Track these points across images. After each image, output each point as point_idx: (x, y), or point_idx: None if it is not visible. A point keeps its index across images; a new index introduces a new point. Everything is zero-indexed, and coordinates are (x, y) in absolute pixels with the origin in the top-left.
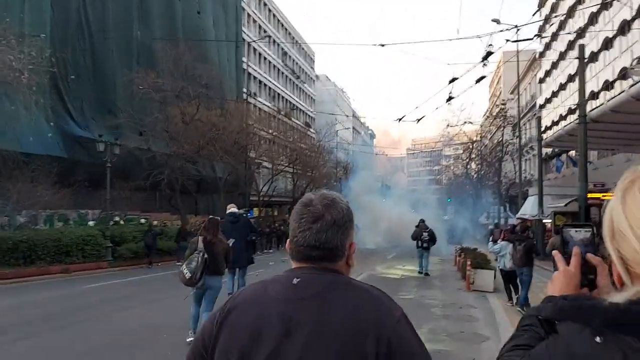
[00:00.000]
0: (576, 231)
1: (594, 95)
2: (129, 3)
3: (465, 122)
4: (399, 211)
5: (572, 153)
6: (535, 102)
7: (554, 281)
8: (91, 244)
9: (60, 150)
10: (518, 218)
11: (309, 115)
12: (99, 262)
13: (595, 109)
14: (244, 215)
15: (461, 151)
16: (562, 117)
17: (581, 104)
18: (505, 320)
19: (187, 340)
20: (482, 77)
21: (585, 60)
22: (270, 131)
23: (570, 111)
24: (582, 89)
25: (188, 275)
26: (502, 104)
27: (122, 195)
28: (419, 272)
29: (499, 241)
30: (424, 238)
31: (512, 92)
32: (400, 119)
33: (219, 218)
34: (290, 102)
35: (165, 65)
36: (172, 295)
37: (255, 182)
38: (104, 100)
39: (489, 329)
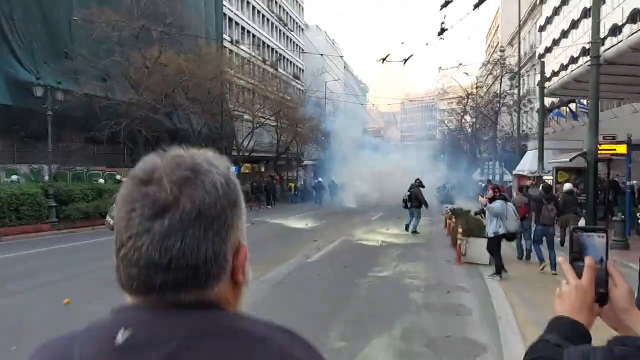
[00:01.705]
0: (588, 236)
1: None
2: None
3: (460, 64)
4: (389, 167)
5: (573, 106)
6: (535, 52)
7: (564, 297)
8: (28, 204)
9: (4, 97)
10: (515, 174)
11: (297, 67)
12: (40, 224)
13: (609, 49)
14: None
15: (455, 104)
16: (564, 67)
17: (594, 43)
18: (508, 313)
19: None
20: (481, 1)
21: None
22: (250, 81)
23: (578, 55)
24: (596, 25)
25: (111, 222)
26: (501, 51)
27: (78, 148)
28: (405, 228)
29: (487, 202)
30: (404, 197)
31: (510, 42)
32: (384, 59)
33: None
34: (276, 52)
35: (125, 2)
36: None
37: (235, 136)
38: (58, 42)
39: (486, 329)
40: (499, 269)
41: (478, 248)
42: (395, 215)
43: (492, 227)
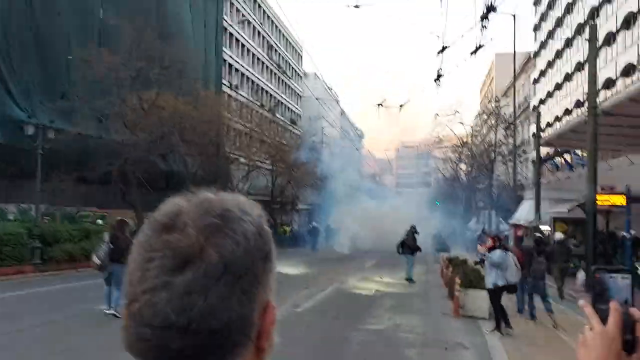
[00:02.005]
0: (611, 277)
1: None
2: None
3: (456, 112)
4: (384, 213)
5: (568, 157)
6: (529, 103)
7: (588, 345)
8: (11, 244)
9: None
10: (512, 224)
11: (294, 112)
12: (22, 265)
13: (605, 100)
14: None
15: (451, 154)
16: (558, 119)
17: (591, 94)
18: None
19: (104, 310)
20: (479, 47)
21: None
22: (248, 125)
23: (573, 107)
24: (593, 77)
25: (98, 262)
26: (496, 101)
27: (69, 188)
28: (407, 279)
29: (486, 251)
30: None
31: (504, 94)
32: (380, 104)
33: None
34: (274, 98)
35: (125, 45)
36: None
37: (230, 178)
38: (55, 82)
39: None
40: (499, 324)
41: (477, 300)
42: (389, 262)
43: (491, 278)
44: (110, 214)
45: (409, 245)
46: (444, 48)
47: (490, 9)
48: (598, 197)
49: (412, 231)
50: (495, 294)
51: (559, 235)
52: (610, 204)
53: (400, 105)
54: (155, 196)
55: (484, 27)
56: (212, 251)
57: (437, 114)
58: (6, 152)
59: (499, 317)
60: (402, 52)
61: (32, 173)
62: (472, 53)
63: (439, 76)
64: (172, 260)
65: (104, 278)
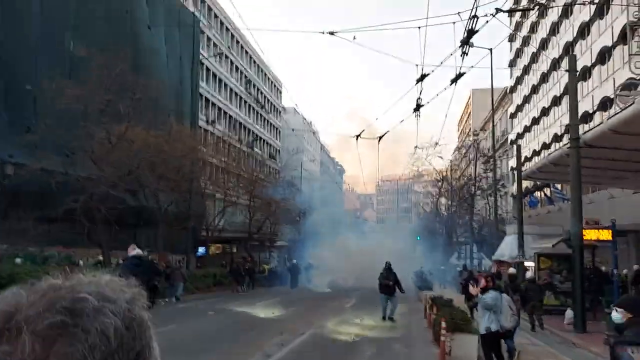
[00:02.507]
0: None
1: (568, 129)
2: (62, 13)
3: (436, 144)
4: (365, 249)
5: (548, 191)
6: (507, 137)
7: None
8: None
9: None
10: (495, 260)
11: (273, 147)
12: None
13: (588, 131)
14: (148, 257)
15: (430, 187)
16: (536, 152)
17: (573, 125)
18: None
19: None
20: (460, 75)
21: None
22: (223, 159)
23: (550, 141)
24: (574, 108)
25: None
26: (475, 135)
27: (31, 227)
28: (383, 319)
29: (476, 293)
30: (388, 282)
31: (482, 128)
32: (358, 136)
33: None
34: (253, 132)
35: (95, 77)
36: None
37: (205, 215)
38: (20, 116)
39: None
40: None
41: (465, 346)
42: (370, 302)
43: (483, 322)
44: (77, 253)
45: (386, 285)
46: (423, 76)
47: (471, 32)
48: (584, 231)
49: (387, 268)
50: (487, 340)
51: (529, 274)
52: (597, 238)
53: (379, 137)
54: (125, 234)
55: (464, 53)
56: None
57: (417, 147)
58: None
59: None
60: (381, 84)
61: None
62: (452, 81)
63: (418, 106)
64: None
65: None
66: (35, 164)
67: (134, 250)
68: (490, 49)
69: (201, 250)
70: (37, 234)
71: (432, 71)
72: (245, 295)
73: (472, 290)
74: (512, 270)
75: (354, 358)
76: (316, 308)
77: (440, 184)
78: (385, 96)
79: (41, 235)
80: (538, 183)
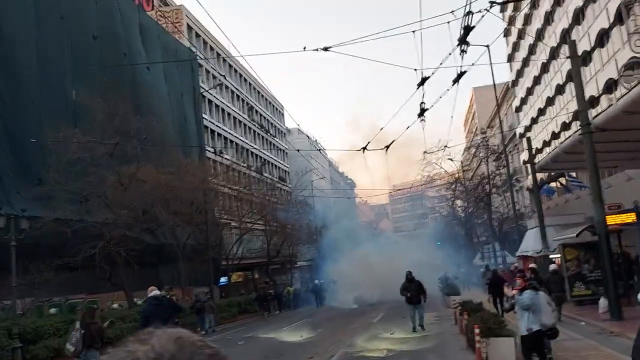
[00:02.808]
0: None
1: (577, 116)
2: (59, 61)
3: (444, 147)
4: (386, 260)
5: (563, 180)
6: (515, 131)
7: None
8: None
9: None
10: (519, 256)
11: (282, 169)
12: None
13: (598, 115)
14: (166, 296)
15: (444, 191)
16: (547, 143)
17: (582, 111)
18: None
19: None
20: (462, 74)
21: (568, 74)
22: (235, 187)
23: (560, 130)
24: (580, 93)
25: (72, 349)
26: (482, 133)
27: (53, 277)
28: (413, 330)
29: (514, 293)
30: (410, 294)
31: (488, 125)
32: (364, 148)
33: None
34: (260, 158)
35: (100, 123)
36: None
37: (223, 245)
38: (30, 169)
39: None
40: None
41: (502, 349)
42: (398, 314)
43: (523, 323)
44: (101, 298)
45: (410, 294)
46: (423, 80)
47: (468, 29)
48: (607, 217)
49: (409, 279)
50: (529, 340)
51: (552, 267)
52: (621, 222)
53: (386, 147)
54: (147, 273)
55: (463, 51)
56: None
57: (426, 152)
58: None
59: None
60: (383, 93)
61: (9, 267)
62: (454, 81)
63: (422, 111)
64: None
65: None
66: (49, 214)
67: (153, 292)
68: (487, 46)
69: (223, 280)
70: (59, 283)
71: (432, 73)
72: (272, 320)
73: (508, 292)
74: (532, 265)
75: None
76: (344, 326)
77: (453, 186)
78: (389, 104)
79: (63, 284)
80: (553, 173)
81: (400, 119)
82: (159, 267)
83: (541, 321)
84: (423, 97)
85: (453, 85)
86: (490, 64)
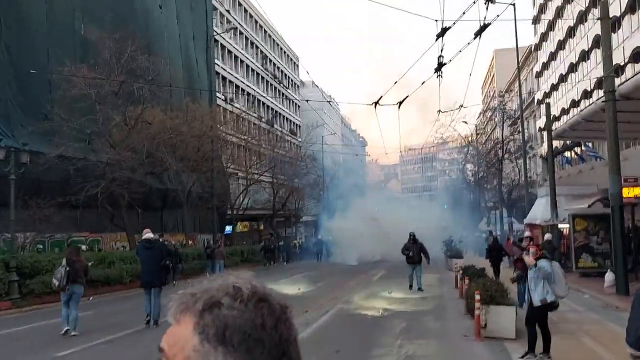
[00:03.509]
0: None
1: (599, 84)
2: None
3: (461, 106)
4: (391, 219)
5: (578, 149)
6: (534, 97)
7: None
8: None
9: None
10: (527, 224)
11: (293, 123)
12: None
13: (623, 83)
14: (159, 240)
15: (456, 154)
16: (565, 111)
17: (608, 77)
18: None
19: (63, 330)
20: (485, 27)
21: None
22: (243, 137)
23: (580, 98)
24: (608, 57)
25: (57, 283)
26: (500, 96)
27: (56, 214)
28: (410, 288)
29: (532, 262)
30: (408, 253)
31: (507, 90)
32: (376, 103)
33: (81, 246)
34: (272, 109)
35: (106, 60)
36: None
37: (229, 194)
38: (36, 104)
39: None
40: (534, 347)
41: (501, 319)
42: (398, 273)
43: (537, 294)
44: (104, 238)
45: (412, 256)
46: (444, 30)
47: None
48: (624, 189)
49: (411, 239)
50: (540, 312)
51: (547, 236)
52: (636, 195)
53: (399, 103)
54: (152, 217)
55: (488, 0)
56: None
57: (440, 110)
58: None
59: (533, 340)
60: (398, 46)
61: (17, 201)
62: (476, 34)
63: (440, 65)
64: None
65: (64, 301)
66: (53, 151)
67: (146, 234)
68: (513, 4)
69: (228, 229)
70: (62, 221)
71: (454, 23)
72: (274, 270)
73: (528, 259)
74: (548, 236)
75: (383, 335)
76: (343, 282)
77: (466, 149)
78: (405, 57)
79: (67, 222)
80: (568, 142)
81: (416, 77)
82: (164, 212)
83: (555, 292)
84: (442, 50)
85: (475, 38)
86: (515, 22)
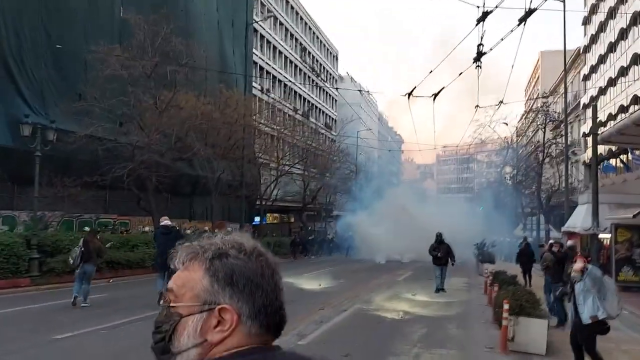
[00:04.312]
0: None
1: None
2: None
3: (500, 102)
4: (423, 221)
5: (624, 157)
6: (579, 101)
7: None
8: (4, 256)
9: (5, 139)
10: (565, 232)
11: (329, 117)
12: (17, 278)
13: None
14: (175, 227)
15: (494, 156)
16: (612, 116)
17: None
18: None
19: (72, 299)
20: (531, 12)
21: None
22: (276, 127)
23: (629, 104)
24: None
25: (71, 261)
26: (544, 97)
27: (84, 194)
28: (436, 290)
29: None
30: (436, 254)
31: (552, 92)
32: (409, 94)
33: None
34: (308, 102)
35: (140, 42)
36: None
37: (259, 185)
38: (71, 84)
39: None
40: None
41: (531, 331)
42: (425, 275)
43: (587, 309)
44: (132, 221)
45: (437, 257)
46: (485, 14)
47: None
48: None
49: (438, 240)
50: (591, 331)
51: (570, 242)
52: None
53: (434, 95)
54: (181, 202)
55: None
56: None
57: (478, 105)
58: (18, 158)
59: None
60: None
61: (43, 178)
62: (520, 20)
63: (479, 55)
64: (271, 270)
65: (78, 276)
66: (83, 130)
67: (164, 221)
68: (563, 1)
69: (257, 219)
70: (90, 201)
71: (496, 7)
72: (299, 264)
73: (578, 266)
74: (570, 242)
75: (399, 341)
76: (365, 281)
77: (505, 152)
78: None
79: (95, 203)
80: (613, 149)
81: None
82: (193, 198)
83: (606, 309)
84: (482, 38)
85: (519, 25)
86: (564, 21)
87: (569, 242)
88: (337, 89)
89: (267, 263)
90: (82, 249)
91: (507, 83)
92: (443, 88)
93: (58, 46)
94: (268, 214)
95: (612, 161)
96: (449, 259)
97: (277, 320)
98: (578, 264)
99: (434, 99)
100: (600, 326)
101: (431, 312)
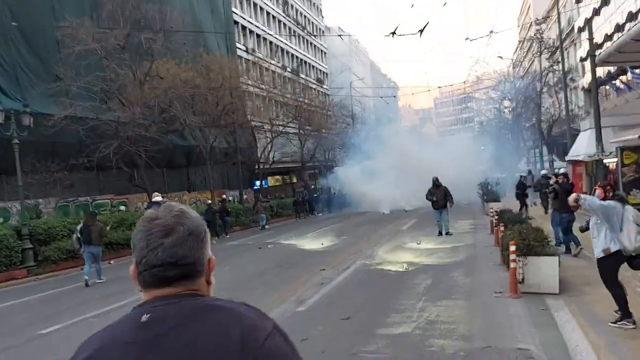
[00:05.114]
0: None
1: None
2: None
3: (491, 32)
4: (425, 166)
5: (624, 77)
6: (574, 25)
7: None
8: None
9: None
10: (569, 160)
11: (320, 71)
12: (12, 270)
13: None
14: (165, 202)
15: (492, 92)
16: (609, 37)
17: None
18: None
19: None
20: None
21: None
22: (265, 87)
23: (625, 22)
24: None
25: (77, 247)
26: (537, 24)
27: (76, 177)
28: (439, 234)
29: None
30: (432, 199)
31: (545, 20)
32: (393, 33)
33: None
34: (297, 57)
35: (109, 12)
36: None
37: (254, 148)
38: (46, 65)
39: None
40: (626, 310)
41: (542, 271)
42: (430, 222)
43: (600, 242)
44: (130, 200)
45: (436, 200)
46: None
47: None
48: None
49: (435, 183)
50: (608, 264)
51: (544, 172)
52: None
53: (420, 31)
54: (176, 175)
55: None
56: (181, 226)
57: (468, 37)
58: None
59: (620, 296)
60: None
61: (27, 166)
62: None
63: None
64: (161, 232)
65: (87, 259)
66: (62, 112)
67: (155, 197)
68: None
69: (257, 183)
70: (83, 183)
71: None
72: (304, 222)
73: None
74: (544, 171)
75: (404, 295)
76: (369, 234)
77: (502, 86)
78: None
79: (89, 185)
80: (612, 70)
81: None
82: (189, 170)
83: (621, 241)
84: None
85: None
86: None
87: (542, 172)
88: (319, 36)
89: (145, 226)
90: (78, 235)
91: (495, 11)
92: (428, 23)
93: (14, 23)
94: (269, 177)
95: (613, 82)
96: (447, 202)
97: (148, 278)
98: (596, 196)
99: (421, 35)
100: (619, 258)
101: (436, 260)
